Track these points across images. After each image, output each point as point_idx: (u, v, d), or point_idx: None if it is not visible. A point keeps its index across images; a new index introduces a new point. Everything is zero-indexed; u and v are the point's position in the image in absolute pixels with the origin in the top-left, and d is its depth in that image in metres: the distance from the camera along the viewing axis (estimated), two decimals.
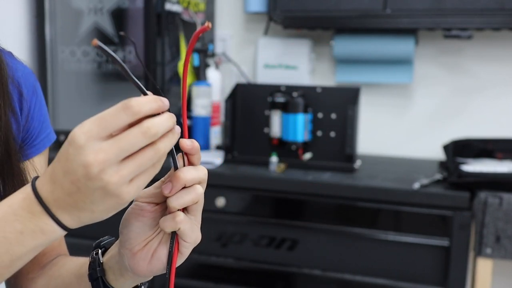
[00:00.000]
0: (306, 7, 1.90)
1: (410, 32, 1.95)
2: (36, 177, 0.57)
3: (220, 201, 1.72)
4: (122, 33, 0.53)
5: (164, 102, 0.54)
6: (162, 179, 0.62)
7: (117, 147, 0.51)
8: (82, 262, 0.77)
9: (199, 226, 0.63)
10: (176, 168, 0.59)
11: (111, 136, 0.52)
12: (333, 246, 1.67)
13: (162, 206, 0.63)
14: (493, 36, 1.98)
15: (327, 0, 1.87)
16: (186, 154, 0.59)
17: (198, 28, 0.58)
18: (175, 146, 0.57)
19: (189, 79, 2.06)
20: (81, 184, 0.52)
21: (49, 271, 0.82)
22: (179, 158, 0.59)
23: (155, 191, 0.61)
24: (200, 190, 0.60)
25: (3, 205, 0.56)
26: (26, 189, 0.56)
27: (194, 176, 0.59)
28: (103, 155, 0.51)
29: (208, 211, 1.76)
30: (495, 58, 2.00)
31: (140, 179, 0.54)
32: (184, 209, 0.61)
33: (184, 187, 0.59)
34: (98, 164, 0.51)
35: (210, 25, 0.56)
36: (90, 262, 0.71)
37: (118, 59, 0.53)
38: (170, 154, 0.58)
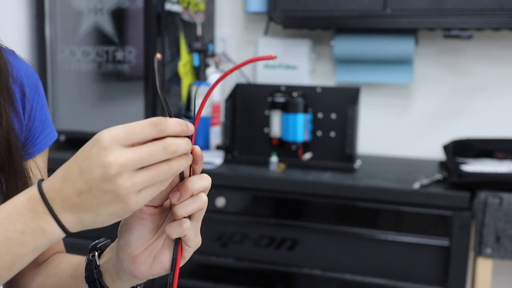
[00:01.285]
0: (306, 7, 1.90)
1: (410, 32, 1.95)
2: (42, 180, 0.58)
3: (220, 201, 1.72)
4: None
5: (189, 127, 0.58)
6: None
7: (138, 155, 0.54)
8: (78, 262, 0.77)
9: (199, 230, 0.64)
10: (182, 178, 0.61)
11: (134, 146, 0.55)
12: (333, 246, 1.67)
13: (161, 209, 0.64)
14: (493, 36, 1.98)
15: (327, 0, 1.87)
16: (192, 163, 0.61)
17: (260, 56, 0.60)
18: None
19: (189, 79, 2.06)
20: (94, 184, 0.54)
21: (45, 269, 0.82)
22: (186, 169, 0.61)
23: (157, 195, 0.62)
24: (205, 198, 0.62)
25: (7, 205, 0.57)
26: (32, 190, 0.57)
27: (201, 185, 0.61)
28: (124, 159, 0.53)
29: (208, 211, 1.75)
30: (495, 58, 2.00)
31: (148, 191, 0.56)
32: (189, 215, 0.62)
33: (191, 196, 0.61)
34: (117, 167, 0.53)
35: (276, 56, 0.59)
36: (86, 264, 0.71)
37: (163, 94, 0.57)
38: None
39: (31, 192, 0.57)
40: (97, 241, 0.74)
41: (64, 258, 0.84)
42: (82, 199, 0.55)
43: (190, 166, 0.61)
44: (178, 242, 0.63)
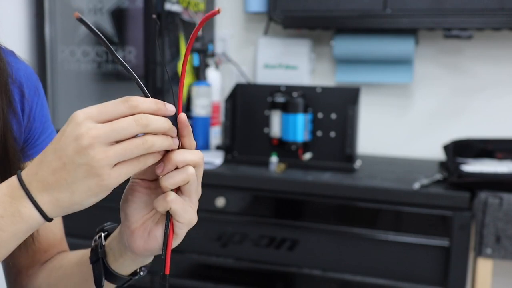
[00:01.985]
0: (306, 7, 1.90)
1: (410, 32, 1.95)
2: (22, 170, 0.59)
3: (220, 201, 1.72)
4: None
5: (167, 107, 0.57)
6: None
7: (110, 127, 0.54)
8: (83, 252, 0.78)
9: (194, 208, 0.63)
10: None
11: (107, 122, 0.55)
12: (333, 246, 1.67)
13: (157, 184, 0.64)
14: (493, 36, 1.98)
15: (327, 0, 1.87)
16: (180, 136, 0.60)
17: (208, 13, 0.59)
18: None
19: (189, 79, 2.05)
20: (68, 159, 0.54)
21: (49, 265, 0.83)
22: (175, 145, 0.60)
23: (147, 167, 0.61)
24: (190, 170, 0.60)
25: None
26: (12, 178, 0.59)
27: (186, 157, 0.60)
28: (95, 131, 0.54)
29: (208, 211, 1.76)
30: (495, 58, 2.00)
31: (123, 166, 0.56)
32: (178, 190, 0.62)
33: (177, 168, 0.60)
34: (89, 138, 0.54)
35: (220, 9, 0.58)
36: (92, 247, 0.72)
37: (104, 39, 0.56)
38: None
39: (12, 179, 0.58)
40: (104, 224, 0.74)
41: (69, 253, 0.84)
42: (57, 176, 0.55)
43: (181, 142, 0.60)
44: (168, 217, 0.63)
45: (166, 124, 0.57)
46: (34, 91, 0.81)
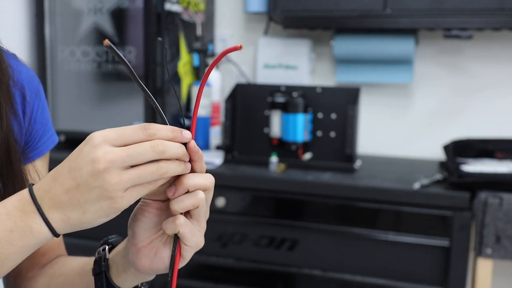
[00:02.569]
0: (306, 7, 1.90)
1: (410, 32, 1.95)
2: (33, 184, 0.60)
3: (220, 201, 1.72)
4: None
5: (183, 134, 0.59)
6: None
7: (126, 152, 0.55)
8: (85, 261, 0.77)
9: (202, 231, 0.64)
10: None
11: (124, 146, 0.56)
12: (333, 246, 1.66)
13: (167, 204, 0.64)
14: (493, 36, 1.98)
15: (327, 0, 1.87)
16: (191, 161, 0.61)
17: (228, 47, 0.59)
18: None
19: (189, 79, 2.06)
20: (82, 180, 0.55)
21: (49, 270, 0.82)
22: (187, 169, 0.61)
23: (160, 188, 0.62)
24: (201, 195, 0.61)
25: None
26: (23, 191, 0.59)
27: (197, 182, 0.60)
28: (112, 156, 0.55)
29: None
30: (495, 58, 2.00)
31: (135, 190, 0.57)
32: (187, 214, 0.62)
33: (187, 192, 0.60)
34: (105, 162, 0.54)
35: (242, 46, 0.59)
36: (96, 258, 0.72)
37: (127, 62, 0.57)
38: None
39: (22, 193, 0.59)
40: (109, 236, 0.74)
41: (70, 259, 0.84)
42: (70, 196, 0.56)
43: (192, 166, 0.61)
44: (176, 240, 0.63)
45: (181, 150, 0.58)
46: (36, 94, 0.81)
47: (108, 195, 0.55)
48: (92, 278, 0.71)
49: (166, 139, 0.57)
